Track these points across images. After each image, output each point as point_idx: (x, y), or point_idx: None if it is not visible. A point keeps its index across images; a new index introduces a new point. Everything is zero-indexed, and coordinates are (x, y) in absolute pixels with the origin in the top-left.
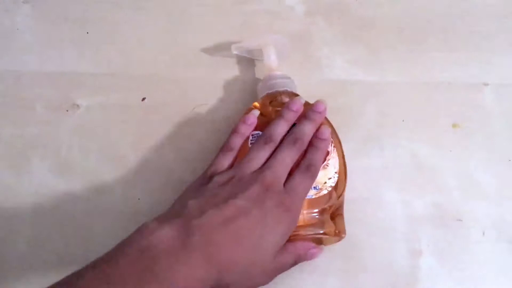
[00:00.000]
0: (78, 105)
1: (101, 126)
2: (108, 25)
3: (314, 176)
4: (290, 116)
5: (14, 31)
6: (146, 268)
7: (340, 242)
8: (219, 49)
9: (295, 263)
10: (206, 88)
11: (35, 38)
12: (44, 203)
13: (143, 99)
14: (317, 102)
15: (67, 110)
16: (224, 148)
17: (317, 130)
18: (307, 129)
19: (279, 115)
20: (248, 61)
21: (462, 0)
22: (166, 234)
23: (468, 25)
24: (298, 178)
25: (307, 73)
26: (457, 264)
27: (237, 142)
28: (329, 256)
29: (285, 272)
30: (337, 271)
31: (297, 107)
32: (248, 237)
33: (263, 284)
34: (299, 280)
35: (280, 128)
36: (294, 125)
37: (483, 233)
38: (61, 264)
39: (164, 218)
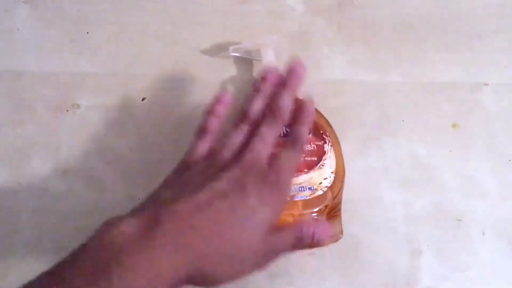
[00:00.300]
0: (78, 105)
1: (102, 126)
2: (108, 25)
3: (300, 150)
4: (265, 89)
5: (14, 31)
6: (103, 266)
7: (340, 242)
8: (219, 49)
9: (296, 244)
10: (206, 88)
11: (35, 38)
12: (44, 203)
13: (143, 99)
14: (292, 65)
15: (67, 110)
16: (199, 131)
17: (301, 103)
18: (285, 99)
19: (254, 89)
20: (247, 61)
21: (462, 0)
22: (130, 226)
23: (468, 25)
24: (283, 154)
25: (307, 73)
26: (457, 264)
27: (212, 123)
28: (329, 256)
29: (285, 272)
30: (337, 271)
31: (272, 77)
32: (228, 221)
33: (257, 269)
34: (298, 280)
35: (255, 104)
36: None
37: (483, 233)
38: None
39: (131, 211)
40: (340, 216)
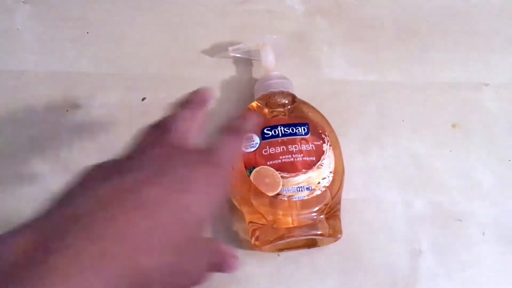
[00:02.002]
0: (78, 105)
1: (101, 126)
2: (108, 25)
3: (239, 133)
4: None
5: (14, 31)
6: None
7: (340, 242)
8: (219, 49)
9: (209, 266)
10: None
11: (35, 38)
12: (44, 203)
13: (143, 99)
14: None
15: (67, 110)
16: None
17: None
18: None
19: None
20: (247, 61)
21: (462, 0)
22: (20, 241)
23: (468, 25)
24: (221, 137)
25: (307, 73)
26: (457, 264)
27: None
28: (328, 256)
29: (284, 272)
30: (337, 271)
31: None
32: (156, 212)
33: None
34: (298, 280)
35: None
36: None
37: (483, 233)
38: None
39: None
40: (339, 216)
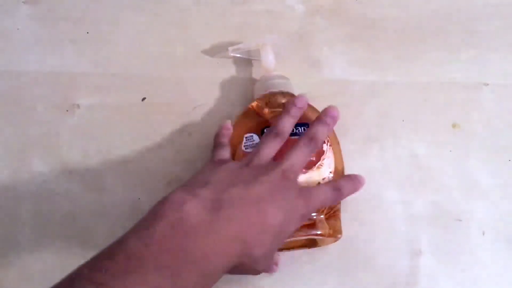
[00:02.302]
0: (78, 105)
1: (101, 126)
2: (108, 25)
3: (339, 191)
4: (296, 113)
5: (14, 31)
6: (179, 247)
7: (340, 242)
8: (219, 49)
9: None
10: (206, 88)
11: (35, 38)
12: (44, 203)
13: (143, 99)
14: (330, 107)
15: (67, 110)
16: (217, 144)
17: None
18: (321, 131)
19: (285, 110)
20: (247, 61)
21: (462, 0)
22: (195, 207)
23: (468, 25)
24: (320, 186)
25: (307, 73)
26: (457, 264)
27: (226, 138)
28: (329, 256)
29: (284, 272)
30: (337, 271)
31: (302, 103)
32: (273, 220)
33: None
34: (298, 280)
35: (288, 123)
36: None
37: (483, 233)
38: (61, 264)
39: (190, 190)
40: (339, 216)
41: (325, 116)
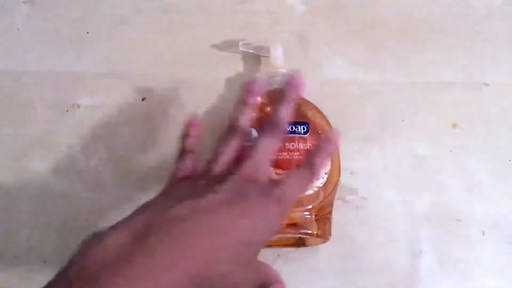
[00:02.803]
0: (78, 105)
1: (101, 126)
2: (108, 25)
3: (312, 174)
4: (252, 101)
5: (14, 31)
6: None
7: (340, 242)
8: (219, 49)
9: (257, 284)
10: (206, 88)
11: (35, 38)
12: (44, 203)
13: (143, 99)
14: (290, 78)
15: (67, 110)
16: (180, 153)
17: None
18: (284, 111)
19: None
20: (253, 58)
21: (462, 0)
22: (114, 242)
23: (468, 25)
24: (292, 173)
25: (307, 73)
26: (457, 264)
27: (190, 143)
28: (328, 256)
29: (284, 272)
30: (336, 271)
31: (257, 88)
32: (235, 230)
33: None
34: (298, 280)
35: (244, 116)
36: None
37: (483, 233)
38: (61, 265)
39: (119, 222)
40: (330, 218)
41: (287, 91)
